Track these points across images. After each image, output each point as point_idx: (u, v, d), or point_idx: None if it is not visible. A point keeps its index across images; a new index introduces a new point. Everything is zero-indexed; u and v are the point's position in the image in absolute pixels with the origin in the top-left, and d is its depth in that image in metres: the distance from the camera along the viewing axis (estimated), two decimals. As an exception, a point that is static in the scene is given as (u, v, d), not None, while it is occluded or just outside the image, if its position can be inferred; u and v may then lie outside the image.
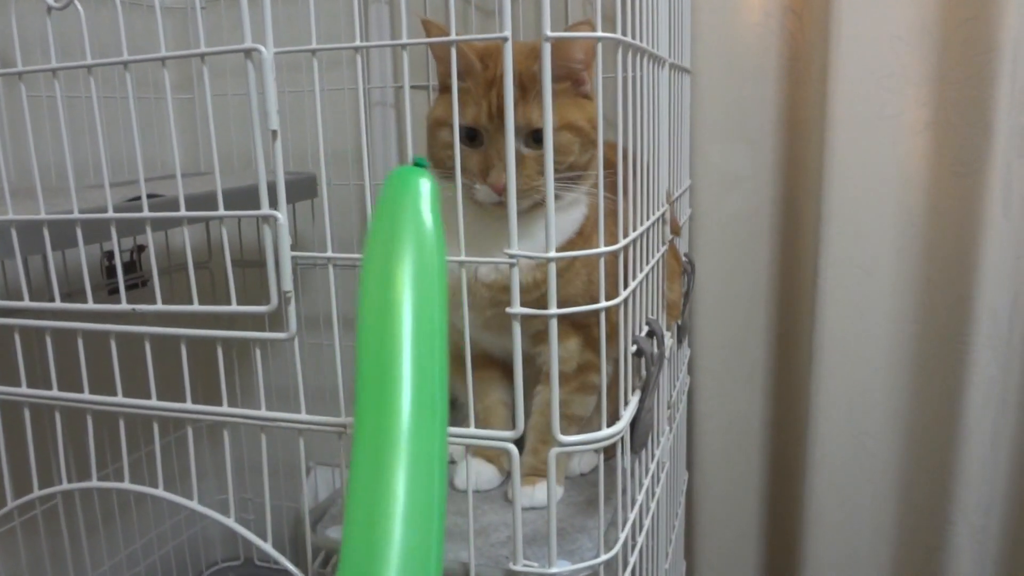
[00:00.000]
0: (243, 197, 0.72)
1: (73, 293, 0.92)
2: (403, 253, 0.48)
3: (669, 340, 0.91)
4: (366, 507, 0.40)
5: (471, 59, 0.75)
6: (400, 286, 0.47)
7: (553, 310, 0.60)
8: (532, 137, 0.76)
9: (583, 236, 0.81)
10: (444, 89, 0.81)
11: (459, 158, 0.67)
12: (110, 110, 1.23)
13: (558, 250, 0.61)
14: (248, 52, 0.64)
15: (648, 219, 0.76)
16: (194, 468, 0.77)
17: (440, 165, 0.79)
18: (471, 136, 0.77)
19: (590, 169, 0.80)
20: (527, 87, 0.75)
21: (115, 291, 0.74)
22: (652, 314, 0.82)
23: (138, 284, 1.34)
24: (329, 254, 0.68)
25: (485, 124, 0.76)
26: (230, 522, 0.75)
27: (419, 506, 0.41)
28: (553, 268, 0.61)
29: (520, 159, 0.75)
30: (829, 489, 1.30)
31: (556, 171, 0.70)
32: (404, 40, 0.63)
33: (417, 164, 0.53)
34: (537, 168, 0.76)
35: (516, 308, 0.61)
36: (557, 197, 0.76)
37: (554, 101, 0.58)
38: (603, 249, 0.63)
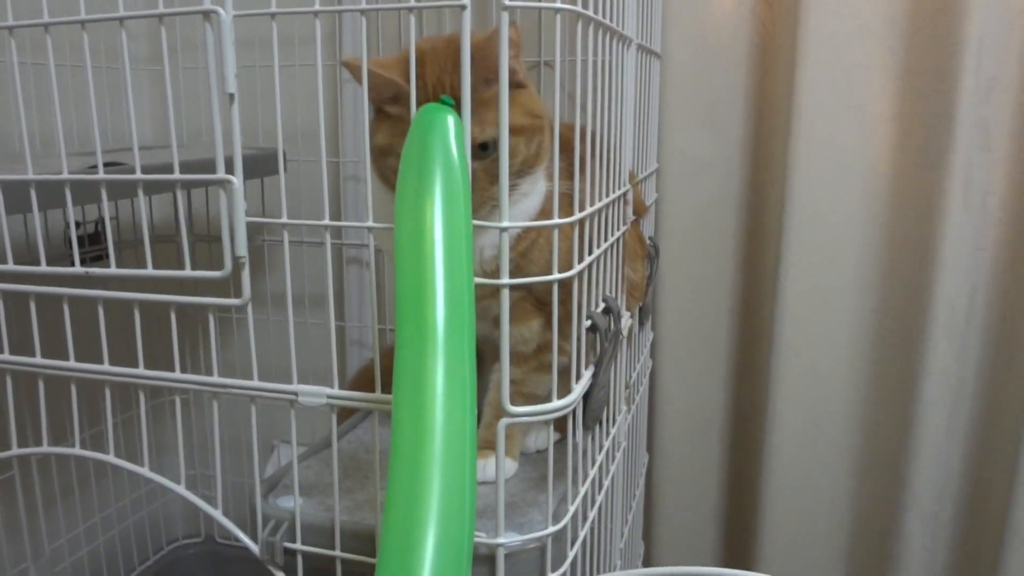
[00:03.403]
0: (209, 168, 0.71)
1: (33, 262, 0.91)
2: (433, 182, 0.56)
3: (628, 320, 0.92)
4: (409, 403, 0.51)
5: (400, 85, 0.70)
6: (431, 212, 0.55)
7: (505, 280, 0.61)
8: (479, 149, 0.72)
9: (544, 214, 0.81)
10: (379, 113, 0.76)
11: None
12: (79, 80, 1.21)
13: (523, 231, 0.61)
14: (207, 14, 0.63)
15: (607, 197, 0.76)
16: (146, 435, 0.77)
17: (390, 186, 0.75)
18: None
19: (542, 155, 0.77)
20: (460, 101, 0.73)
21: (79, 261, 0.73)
22: (610, 292, 0.83)
23: (102, 256, 1.33)
24: (284, 220, 0.67)
25: None
26: (181, 489, 0.75)
27: (455, 404, 0.51)
28: (506, 239, 0.61)
29: (471, 175, 0.69)
30: (787, 474, 1.31)
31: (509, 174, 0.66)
32: (363, 6, 0.63)
33: (443, 102, 0.59)
34: (488, 178, 0.72)
35: (482, 280, 0.62)
36: (514, 189, 0.73)
37: (490, 109, 0.58)
38: (557, 221, 0.63)
